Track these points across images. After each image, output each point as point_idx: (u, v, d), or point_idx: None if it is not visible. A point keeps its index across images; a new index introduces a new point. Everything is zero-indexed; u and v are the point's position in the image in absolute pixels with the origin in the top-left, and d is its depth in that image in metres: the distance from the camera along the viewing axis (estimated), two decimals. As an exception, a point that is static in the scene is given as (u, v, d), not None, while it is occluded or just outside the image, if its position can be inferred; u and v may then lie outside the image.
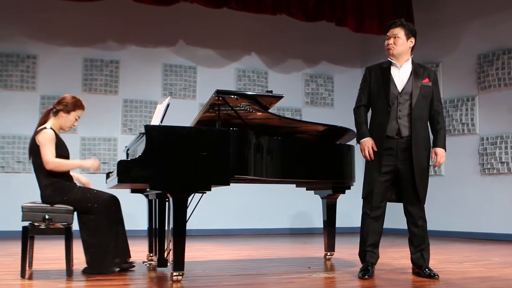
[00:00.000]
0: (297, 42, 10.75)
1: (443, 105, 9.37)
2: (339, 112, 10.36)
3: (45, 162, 4.45)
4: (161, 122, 4.44)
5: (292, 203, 10.01)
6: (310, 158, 5.02)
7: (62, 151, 4.61)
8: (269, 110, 4.81)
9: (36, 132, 4.55)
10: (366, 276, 4.33)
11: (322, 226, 5.85)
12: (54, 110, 4.68)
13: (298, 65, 10.86)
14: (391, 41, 4.48)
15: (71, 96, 4.74)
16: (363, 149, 4.47)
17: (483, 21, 9.10)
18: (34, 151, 4.53)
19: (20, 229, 4.36)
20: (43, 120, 4.69)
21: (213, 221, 9.56)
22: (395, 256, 5.89)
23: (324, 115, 9.97)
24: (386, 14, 9.42)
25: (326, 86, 10.97)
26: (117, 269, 4.58)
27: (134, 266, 4.79)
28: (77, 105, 4.71)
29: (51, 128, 4.56)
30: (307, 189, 5.99)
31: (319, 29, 10.38)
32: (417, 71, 4.50)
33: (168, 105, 4.54)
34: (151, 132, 4.07)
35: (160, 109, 4.67)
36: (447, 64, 9.61)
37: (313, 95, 10.88)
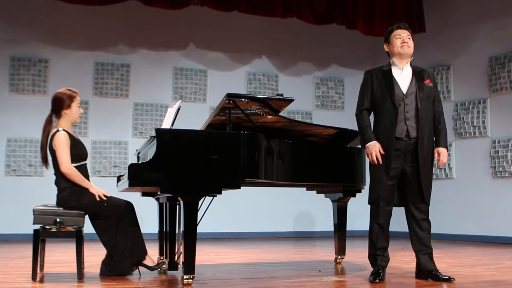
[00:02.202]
0: (307, 45, 10.74)
1: (454, 107, 9.39)
2: (350, 115, 10.22)
3: (61, 166, 4.47)
4: (172, 125, 4.46)
5: (301, 207, 10.01)
6: (321, 161, 5.01)
7: (78, 151, 4.63)
8: (279, 113, 4.81)
9: (51, 138, 4.56)
10: (377, 280, 4.31)
11: (330, 229, 5.84)
12: (54, 112, 4.68)
13: (309, 68, 10.86)
14: (407, 40, 4.50)
15: (61, 90, 4.70)
16: (370, 153, 4.41)
17: (495, 23, 9.05)
18: (53, 155, 4.54)
19: (32, 232, 4.38)
20: (49, 127, 4.65)
21: (223, 224, 9.56)
22: (406, 259, 5.87)
23: (335, 118, 9.96)
24: (397, 16, 9.39)
25: (336, 89, 10.96)
26: (134, 269, 4.62)
27: (160, 268, 4.78)
28: (72, 95, 4.68)
29: (63, 130, 4.58)
30: (317, 192, 5.98)
31: (329, 32, 10.37)
32: (418, 72, 4.52)
33: (178, 109, 4.56)
34: (162, 135, 4.07)
35: (170, 112, 4.68)
36: (458, 67, 9.57)
37: (324, 98, 10.86)
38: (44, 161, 4.64)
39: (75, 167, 4.54)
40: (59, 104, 4.65)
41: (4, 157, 9.03)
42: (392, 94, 4.42)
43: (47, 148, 4.59)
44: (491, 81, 8.99)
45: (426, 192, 4.39)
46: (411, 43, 4.53)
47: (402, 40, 4.50)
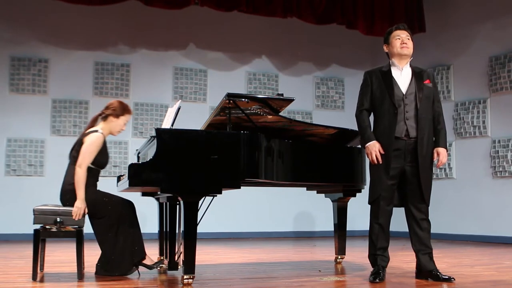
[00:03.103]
0: (307, 45, 10.74)
1: (454, 107, 9.39)
2: (350, 115, 10.21)
3: (78, 161, 4.47)
4: (172, 125, 4.46)
5: (301, 207, 10.00)
6: (321, 161, 5.01)
7: (103, 158, 4.65)
8: (280, 113, 4.81)
9: (86, 133, 4.58)
10: (377, 280, 4.31)
11: (329, 229, 5.83)
12: (103, 115, 4.73)
13: (309, 68, 10.86)
14: (406, 40, 4.50)
15: (118, 101, 4.81)
16: (370, 153, 4.42)
17: (495, 23, 9.05)
18: (78, 146, 4.55)
19: (32, 232, 4.37)
20: (91, 125, 4.72)
21: (223, 224, 9.56)
22: (406, 259, 5.87)
23: (335, 118, 9.96)
24: (397, 16, 9.39)
25: (336, 89, 10.96)
26: (134, 270, 4.62)
27: (159, 266, 4.80)
28: (125, 109, 4.77)
29: (102, 134, 4.60)
30: (317, 192, 5.98)
31: (329, 32, 10.37)
32: (417, 73, 4.53)
33: (179, 109, 4.56)
34: (162, 135, 4.07)
35: (171, 112, 4.69)
36: (458, 67, 9.57)
37: (324, 98, 10.87)
38: (71, 152, 4.64)
39: (91, 169, 4.54)
40: (111, 110, 4.72)
41: (4, 157, 9.02)
42: (391, 94, 4.43)
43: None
44: (491, 81, 8.99)
45: (425, 192, 4.39)
46: (410, 43, 4.53)
47: (402, 41, 4.51)
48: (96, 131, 4.61)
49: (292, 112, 10.25)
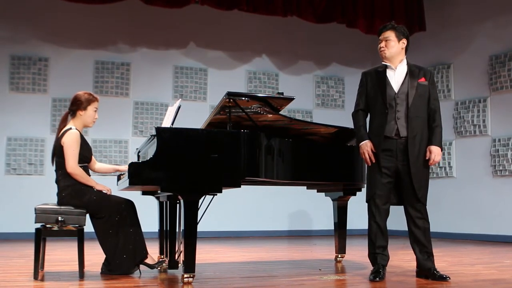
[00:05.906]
0: (307, 44, 10.74)
1: (455, 106, 9.39)
2: (350, 114, 10.30)
3: (68, 165, 4.48)
4: (172, 124, 4.45)
5: (301, 205, 10.01)
6: (321, 160, 5.02)
7: (85, 151, 4.66)
8: (280, 112, 4.81)
9: (62, 134, 4.57)
10: (377, 279, 4.32)
11: (330, 228, 5.83)
12: (71, 112, 4.72)
13: (309, 66, 10.85)
14: (383, 44, 4.56)
15: (81, 92, 4.77)
16: (363, 152, 4.49)
17: (495, 22, 9.05)
18: (58, 151, 4.56)
19: (32, 231, 4.38)
20: (63, 124, 4.71)
21: (223, 223, 9.56)
22: (406, 258, 5.87)
23: (335, 117, 9.94)
24: (397, 15, 9.39)
25: (337, 88, 10.96)
26: (136, 269, 4.63)
27: (160, 266, 4.80)
28: (90, 99, 4.75)
29: (76, 129, 4.61)
30: (318, 191, 5.99)
31: (330, 30, 10.37)
32: (413, 71, 4.55)
33: (179, 107, 4.56)
34: (162, 134, 4.07)
35: (171, 111, 4.68)
36: (458, 65, 9.56)
37: (324, 96, 10.86)
38: (53, 158, 4.65)
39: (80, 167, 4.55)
40: (76, 105, 4.70)
41: (4, 156, 9.02)
42: (383, 94, 4.47)
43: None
44: (491, 79, 8.99)
45: (419, 191, 4.39)
46: (390, 44, 4.54)
47: (379, 46, 4.58)
48: (70, 128, 4.60)
49: (292, 111, 10.24)
